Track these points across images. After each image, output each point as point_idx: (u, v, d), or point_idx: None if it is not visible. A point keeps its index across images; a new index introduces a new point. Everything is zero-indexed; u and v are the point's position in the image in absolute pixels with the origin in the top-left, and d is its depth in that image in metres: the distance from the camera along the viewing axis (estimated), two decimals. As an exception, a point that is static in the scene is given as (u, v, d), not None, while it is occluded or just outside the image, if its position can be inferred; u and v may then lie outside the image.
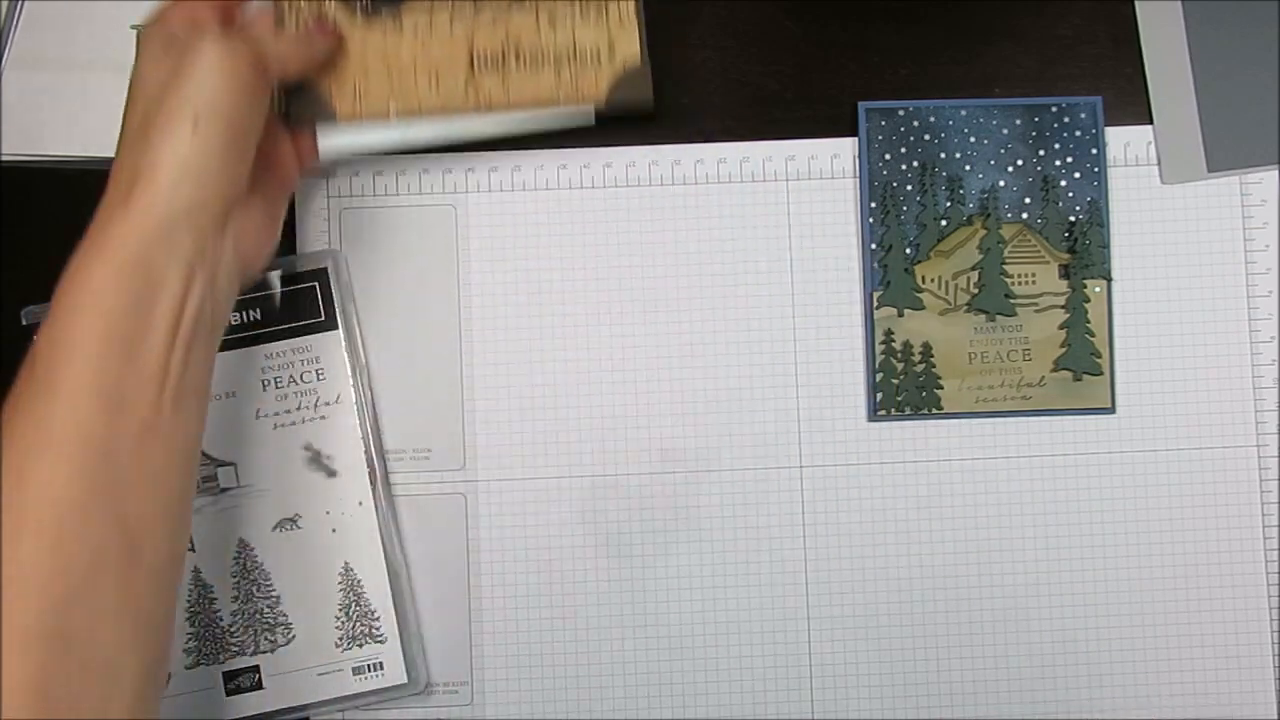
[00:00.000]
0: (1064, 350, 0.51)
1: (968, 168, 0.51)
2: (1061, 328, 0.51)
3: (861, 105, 0.51)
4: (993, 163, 0.51)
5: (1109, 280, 0.51)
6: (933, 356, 0.51)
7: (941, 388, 0.51)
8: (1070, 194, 0.51)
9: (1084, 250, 0.51)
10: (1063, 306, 0.51)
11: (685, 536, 0.51)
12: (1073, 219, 0.51)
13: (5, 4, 0.52)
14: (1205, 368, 0.52)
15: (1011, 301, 0.51)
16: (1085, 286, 0.51)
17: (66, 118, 0.52)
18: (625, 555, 0.51)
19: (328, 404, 0.50)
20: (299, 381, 0.50)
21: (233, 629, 0.50)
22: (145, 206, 0.37)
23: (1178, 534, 0.51)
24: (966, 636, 0.51)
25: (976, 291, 0.51)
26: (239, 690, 0.49)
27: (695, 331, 0.52)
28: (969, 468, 0.52)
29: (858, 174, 0.52)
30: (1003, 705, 0.51)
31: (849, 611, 0.51)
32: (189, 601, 0.50)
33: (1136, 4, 0.53)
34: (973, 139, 0.51)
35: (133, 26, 0.52)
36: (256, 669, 0.50)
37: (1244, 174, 0.52)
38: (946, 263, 0.51)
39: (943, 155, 0.51)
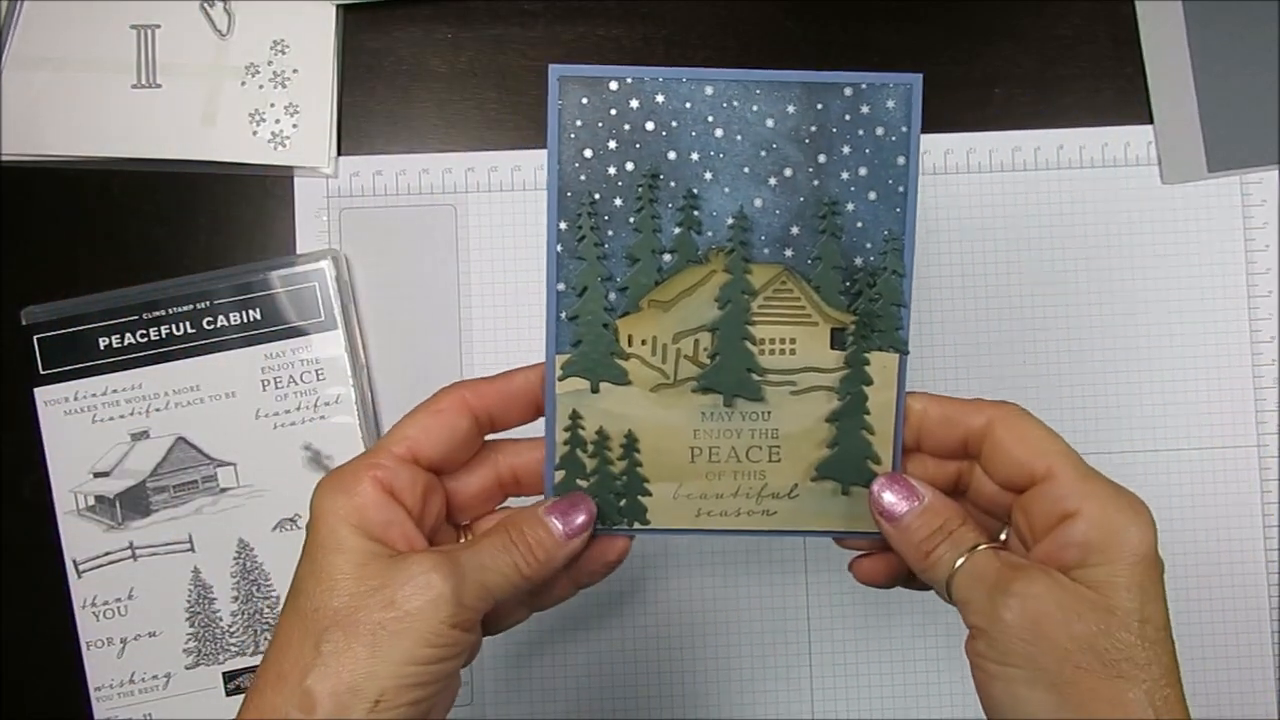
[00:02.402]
0: (829, 451, 0.37)
1: (708, 176, 0.35)
2: (829, 419, 0.37)
3: (553, 70, 0.35)
4: (748, 171, 0.35)
5: (903, 354, 0.36)
6: (638, 451, 0.37)
7: (649, 494, 0.37)
8: (860, 224, 0.35)
9: (871, 309, 0.36)
10: (832, 389, 0.36)
11: (685, 536, 0.51)
12: (859, 261, 0.36)
13: (5, 4, 0.52)
14: (1205, 368, 0.52)
15: (758, 379, 0.36)
16: (868, 362, 0.36)
17: (66, 118, 0.52)
18: (625, 555, 0.51)
19: (328, 404, 0.50)
20: (299, 381, 0.50)
21: (233, 629, 0.50)
22: None
23: (1178, 534, 0.51)
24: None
25: (708, 362, 0.36)
26: (239, 690, 0.49)
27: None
28: (969, 468, 0.51)
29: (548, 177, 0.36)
30: (1003, 705, 0.51)
31: (849, 611, 0.51)
32: (189, 601, 0.50)
33: (1136, 4, 0.53)
34: (719, 133, 0.35)
35: (131, 24, 0.52)
36: (257, 669, 0.50)
37: (1244, 174, 0.52)
38: (666, 318, 0.36)
39: (672, 156, 0.35)
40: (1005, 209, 0.52)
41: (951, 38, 0.53)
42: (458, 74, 0.53)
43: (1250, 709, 0.51)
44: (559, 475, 0.37)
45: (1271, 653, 0.51)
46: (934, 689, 0.51)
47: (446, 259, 0.52)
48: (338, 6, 0.53)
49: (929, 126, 0.53)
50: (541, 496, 0.37)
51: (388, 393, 0.51)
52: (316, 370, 0.50)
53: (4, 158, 0.51)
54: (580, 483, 0.37)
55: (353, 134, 0.53)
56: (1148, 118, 0.53)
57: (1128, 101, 0.53)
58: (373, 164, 0.52)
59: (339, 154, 0.52)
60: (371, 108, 0.53)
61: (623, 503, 0.37)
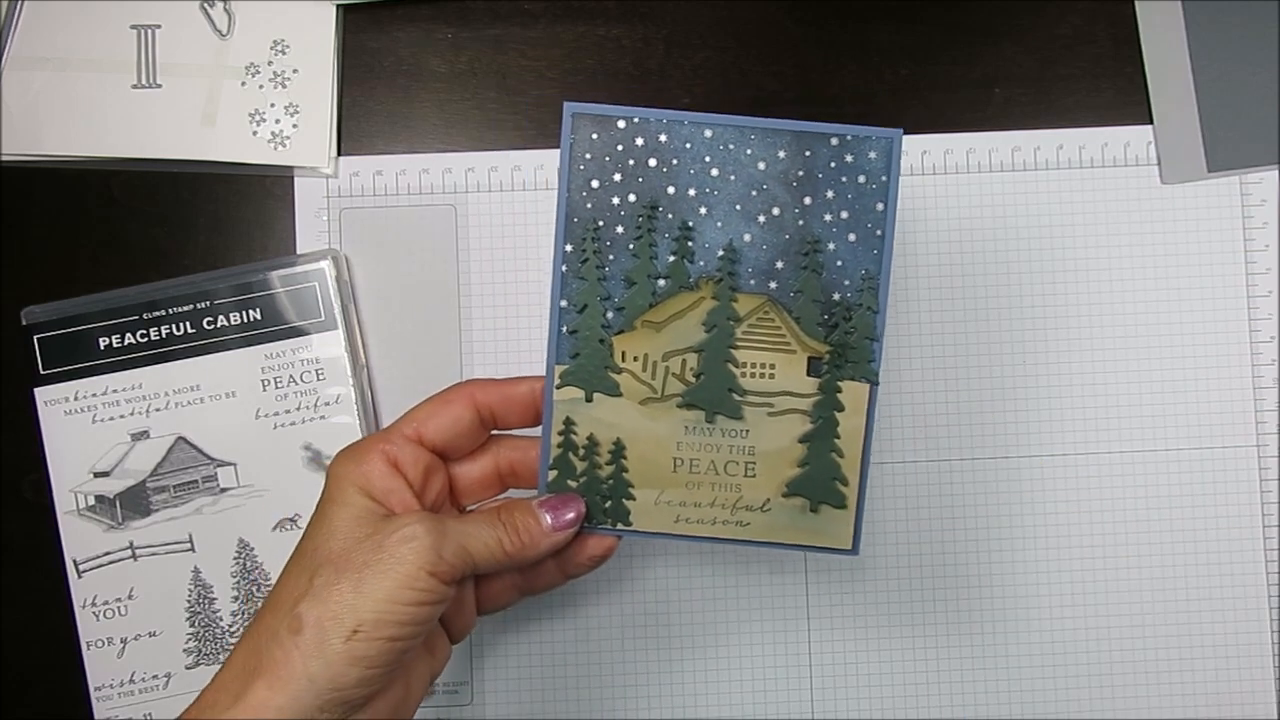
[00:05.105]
0: (800, 471, 0.39)
1: (703, 211, 0.38)
2: (802, 441, 0.39)
3: (568, 108, 0.38)
4: (739, 208, 0.38)
5: (873, 384, 0.39)
6: (625, 458, 0.40)
7: (632, 498, 0.40)
8: (839, 262, 0.38)
9: (845, 340, 0.39)
10: (806, 413, 0.39)
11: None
12: (837, 296, 0.39)
13: (5, 4, 0.52)
14: (1205, 368, 0.52)
15: (738, 399, 0.39)
16: (840, 390, 0.39)
17: (66, 118, 0.52)
18: (624, 555, 0.51)
19: (328, 404, 0.50)
20: (299, 381, 0.50)
21: (233, 629, 0.50)
22: (267, 704, 0.34)
23: (1178, 534, 0.51)
24: (966, 636, 0.51)
25: (694, 380, 0.39)
26: (239, 690, 0.49)
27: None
28: (970, 468, 0.52)
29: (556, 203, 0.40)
30: (1003, 705, 0.51)
31: (849, 611, 0.51)
32: (189, 601, 0.50)
33: (1136, 4, 0.53)
34: (715, 172, 0.38)
35: (131, 24, 0.52)
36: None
37: (1244, 174, 0.52)
38: (658, 337, 0.39)
39: (671, 190, 0.38)
40: (1005, 209, 0.52)
41: (951, 38, 0.53)
42: (458, 74, 0.53)
43: (1250, 709, 0.51)
44: (551, 474, 0.40)
45: (1271, 653, 0.51)
46: (934, 689, 0.51)
47: (446, 259, 0.52)
48: (338, 6, 0.53)
49: (930, 126, 0.53)
50: (536, 492, 0.40)
51: (388, 393, 0.52)
52: (316, 370, 0.50)
53: (4, 158, 0.52)
54: (570, 483, 0.40)
55: (353, 134, 0.53)
56: (1148, 118, 0.53)
57: (1128, 101, 0.53)
58: (373, 164, 0.52)
59: (339, 154, 0.52)
60: (371, 108, 0.53)
61: (608, 504, 0.40)
